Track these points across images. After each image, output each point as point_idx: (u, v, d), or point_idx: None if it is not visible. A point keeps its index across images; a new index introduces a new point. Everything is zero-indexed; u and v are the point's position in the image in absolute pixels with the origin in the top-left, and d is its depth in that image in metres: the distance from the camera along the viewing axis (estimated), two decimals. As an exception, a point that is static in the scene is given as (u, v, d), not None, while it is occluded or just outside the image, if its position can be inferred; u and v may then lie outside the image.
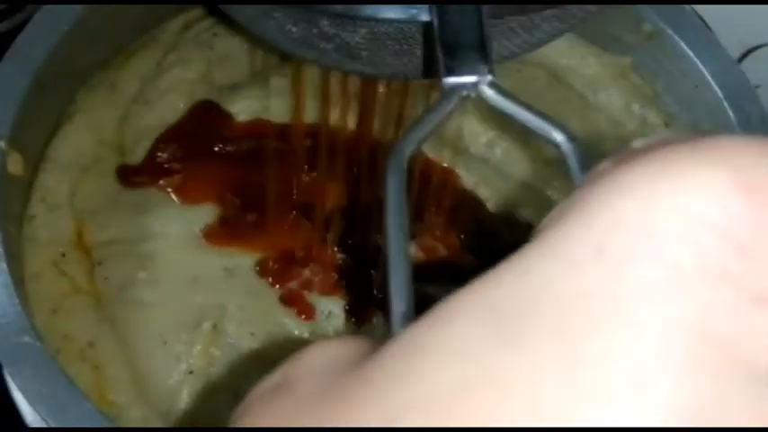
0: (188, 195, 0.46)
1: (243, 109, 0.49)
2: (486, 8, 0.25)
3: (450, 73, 0.24)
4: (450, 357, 0.14)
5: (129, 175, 0.47)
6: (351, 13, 0.27)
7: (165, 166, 0.47)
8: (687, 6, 0.51)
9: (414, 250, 0.46)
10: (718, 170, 0.14)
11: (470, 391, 0.13)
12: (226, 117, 0.49)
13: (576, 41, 0.53)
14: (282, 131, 0.48)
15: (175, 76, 0.49)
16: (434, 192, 0.47)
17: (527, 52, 0.33)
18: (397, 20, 0.27)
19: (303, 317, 0.44)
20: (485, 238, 0.47)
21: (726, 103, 0.47)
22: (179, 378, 0.42)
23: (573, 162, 0.22)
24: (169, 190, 0.46)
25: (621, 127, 0.51)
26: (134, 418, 0.41)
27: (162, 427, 0.42)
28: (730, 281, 0.13)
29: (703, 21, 0.51)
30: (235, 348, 0.43)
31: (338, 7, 0.26)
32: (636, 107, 0.52)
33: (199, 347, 0.42)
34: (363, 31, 0.28)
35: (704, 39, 0.49)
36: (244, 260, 0.45)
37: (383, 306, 0.44)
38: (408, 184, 0.22)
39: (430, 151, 0.48)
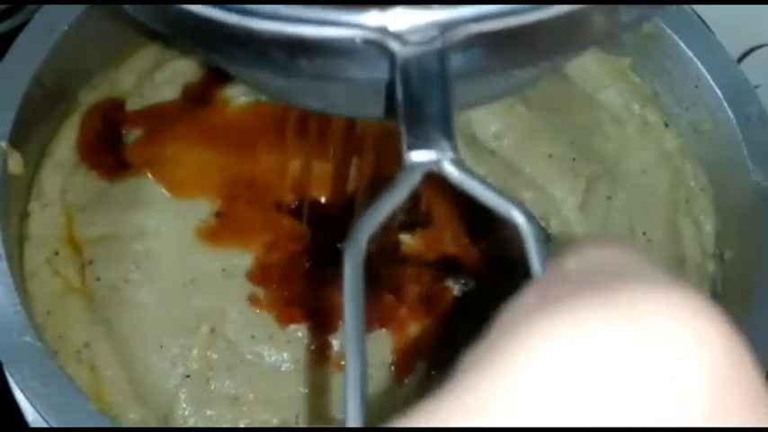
0: (180, 189, 0.45)
1: (240, 92, 0.48)
2: (451, 78, 0.25)
3: (412, 148, 0.24)
4: None
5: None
6: (325, 74, 0.26)
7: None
8: (687, 6, 0.51)
9: (419, 244, 0.46)
10: (618, 332, 0.16)
11: None
12: (220, 101, 0.48)
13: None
14: (282, 115, 0.47)
15: (171, 69, 0.49)
16: (439, 185, 0.47)
17: (510, 95, 0.33)
18: (362, 80, 0.26)
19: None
20: (490, 234, 0.47)
21: (725, 103, 0.47)
22: (176, 382, 0.42)
23: (531, 243, 0.22)
24: (161, 185, 0.46)
25: (623, 125, 0.51)
26: (132, 420, 0.41)
27: (162, 428, 0.42)
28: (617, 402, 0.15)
29: (703, 21, 0.51)
30: (234, 352, 0.43)
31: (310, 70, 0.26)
32: (636, 107, 0.52)
33: (196, 351, 0.42)
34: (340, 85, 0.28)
35: (704, 39, 0.49)
36: (241, 261, 0.44)
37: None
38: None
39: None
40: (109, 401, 0.42)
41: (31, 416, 0.41)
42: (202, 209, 0.45)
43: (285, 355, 0.43)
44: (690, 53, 0.49)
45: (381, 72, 0.25)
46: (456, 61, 0.25)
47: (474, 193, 0.23)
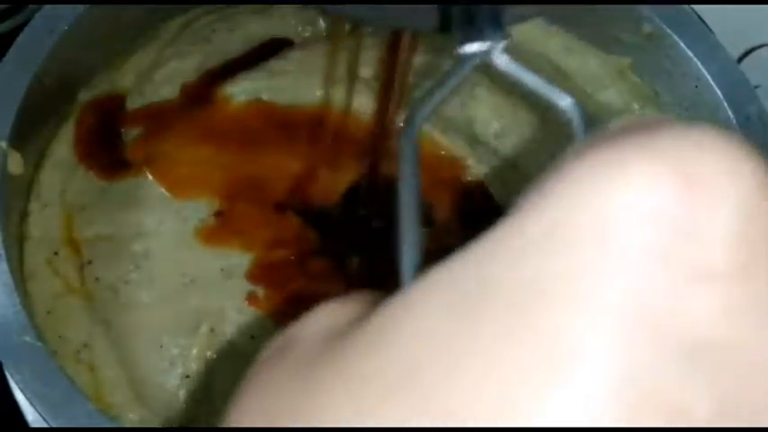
0: (180, 189, 0.45)
1: (241, 90, 0.48)
2: None
3: (466, 39, 0.24)
4: (411, 338, 0.16)
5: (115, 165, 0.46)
6: None
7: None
8: (687, 6, 0.51)
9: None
10: (659, 163, 0.15)
11: (419, 372, 0.15)
12: (220, 100, 0.48)
13: (575, 42, 0.53)
14: (284, 114, 0.47)
15: (171, 68, 0.49)
16: (444, 185, 0.47)
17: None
18: None
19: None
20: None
21: (725, 103, 0.47)
22: (176, 382, 0.42)
23: (577, 125, 0.23)
24: (160, 185, 0.46)
25: (624, 123, 0.51)
26: (132, 420, 0.41)
27: (162, 428, 0.42)
28: (667, 261, 0.15)
29: (703, 21, 0.51)
30: (233, 352, 0.43)
31: None
32: (636, 107, 0.52)
33: (195, 351, 0.42)
34: None
35: (704, 39, 0.49)
36: (241, 260, 0.44)
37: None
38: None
39: (442, 139, 0.48)
40: (108, 402, 0.42)
41: (31, 416, 0.41)
42: (202, 209, 0.45)
43: (285, 354, 0.43)
44: (690, 53, 0.49)
45: None
46: None
47: (522, 81, 0.24)
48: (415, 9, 0.29)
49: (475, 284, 0.16)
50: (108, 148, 0.47)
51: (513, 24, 0.28)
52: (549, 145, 0.49)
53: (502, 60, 0.24)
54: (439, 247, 0.45)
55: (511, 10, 0.26)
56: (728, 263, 0.15)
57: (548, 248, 0.15)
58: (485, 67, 0.25)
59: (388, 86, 0.43)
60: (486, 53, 0.24)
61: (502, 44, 0.24)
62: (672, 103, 0.51)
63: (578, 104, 0.23)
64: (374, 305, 0.17)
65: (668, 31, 0.49)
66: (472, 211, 0.47)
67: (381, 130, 0.45)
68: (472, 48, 0.24)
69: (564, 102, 0.23)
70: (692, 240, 0.15)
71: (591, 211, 0.15)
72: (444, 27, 0.27)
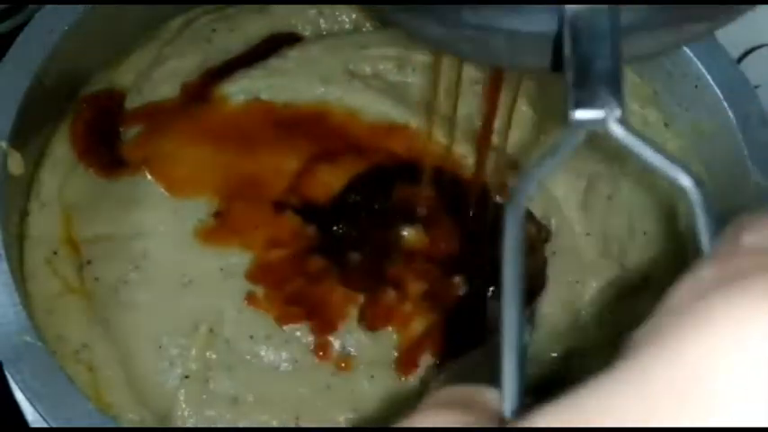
0: (178, 188, 0.45)
1: (239, 89, 0.48)
2: (620, 34, 0.24)
3: (579, 106, 0.23)
4: None
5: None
6: (489, 26, 0.26)
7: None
8: (687, 6, 0.51)
9: (424, 240, 0.46)
10: None
11: None
12: (218, 99, 0.48)
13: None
14: (282, 113, 0.47)
15: (170, 67, 0.49)
16: (446, 187, 0.47)
17: (674, 48, 0.33)
18: (528, 33, 0.25)
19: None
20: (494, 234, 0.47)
21: (725, 103, 0.47)
22: (175, 383, 0.42)
23: (699, 211, 0.21)
24: (159, 184, 0.45)
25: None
26: (131, 420, 0.41)
27: (162, 428, 0.42)
28: None
29: (703, 21, 0.51)
30: (232, 352, 0.43)
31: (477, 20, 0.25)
32: (635, 107, 0.52)
33: (194, 351, 0.42)
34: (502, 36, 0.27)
35: (704, 39, 0.49)
36: (240, 260, 0.44)
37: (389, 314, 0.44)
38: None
39: (443, 137, 0.48)
40: (108, 402, 0.42)
41: (31, 416, 0.41)
42: (201, 208, 0.45)
43: (284, 354, 0.43)
44: (690, 53, 0.49)
45: (549, 25, 0.24)
46: (626, 15, 0.24)
47: (640, 154, 0.22)
48: (529, 51, 0.27)
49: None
50: (107, 146, 0.47)
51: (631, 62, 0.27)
52: (551, 140, 0.49)
53: (619, 131, 0.23)
54: (444, 253, 0.45)
55: (629, 48, 0.25)
56: None
57: (683, 401, 0.15)
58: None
59: (488, 124, 0.43)
60: (601, 122, 0.23)
61: (617, 112, 0.23)
62: (672, 103, 0.51)
63: (700, 185, 0.21)
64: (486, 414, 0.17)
65: (668, 31, 0.49)
66: (469, 211, 0.47)
67: (478, 171, 0.45)
68: (585, 115, 0.23)
69: (686, 182, 0.21)
70: None
71: (731, 361, 0.15)
72: (556, 66, 0.26)
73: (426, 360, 0.43)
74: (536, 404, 0.16)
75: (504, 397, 0.18)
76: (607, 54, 0.23)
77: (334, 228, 0.46)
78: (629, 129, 0.22)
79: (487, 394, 0.19)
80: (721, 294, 0.16)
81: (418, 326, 0.44)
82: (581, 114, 0.23)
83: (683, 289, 0.17)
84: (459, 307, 0.45)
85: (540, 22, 0.24)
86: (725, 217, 0.51)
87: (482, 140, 0.45)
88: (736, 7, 0.31)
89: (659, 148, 0.22)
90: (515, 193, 0.22)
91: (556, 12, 0.24)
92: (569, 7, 0.23)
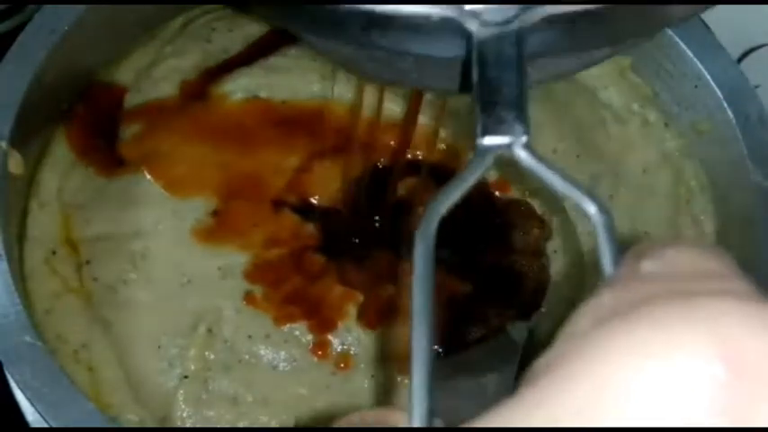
0: (177, 187, 0.45)
1: (238, 87, 0.48)
2: (526, 60, 0.24)
3: (486, 132, 0.23)
4: None
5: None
6: (398, 49, 0.26)
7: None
8: (686, 6, 0.51)
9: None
10: (703, 338, 0.15)
11: None
12: (217, 97, 0.48)
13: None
14: (281, 111, 0.47)
15: (169, 66, 0.49)
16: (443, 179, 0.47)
17: (577, 71, 0.33)
18: (437, 57, 0.26)
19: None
20: (497, 229, 0.47)
21: (725, 103, 0.48)
22: (174, 383, 0.42)
23: (603, 237, 0.21)
24: (158, 183, 0.45)
25: (625, 124, 0.51)
26: (130, 421, 0.41)
27: (162, 428, 0.42)
28: None
29: (703, 21, 0.51)
30: (231, 352, 0.42)
31: (385, 43, 0.25)
32: (635, 106, 0.52)
33: (193, 351, 0.42)
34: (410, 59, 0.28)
35: (704, 39, 0.50)
36: (238, 259, 0.44)
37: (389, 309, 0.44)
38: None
39: (443, 132, 0.48)
40: (107, 402, 0.42)
41: (32, 416, 0.41)
42: (199, 207, 0.45)
43: (282, 354, 0.43)
44: (689, 53, 0.49)
45: (457, 50, 0.25)
46: (532, 42, 0.25)
47: (545, 180, 0.23)
48: (436, 73, 0.28)
49: None
50: (106, 145, 0.47)
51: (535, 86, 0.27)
52: (554, 138, 0.49)
53: (525, 157, 0.23)
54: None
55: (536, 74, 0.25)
56: None
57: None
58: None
59: (410, 119, 0.43)
60: (508, 147, 0.23)
61: (524, 138, 0.23)
62: (671, 103, 0.51)
63: (604, 211, 0.21)
64: None
65: (668, 31, 0.49)
66: (471, 206, 0.47)
67: (401, 146, 0.45)
68: (493, 141, 0.23)
69: (590, 208, 0.21)
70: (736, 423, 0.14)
71: (623, 390, 0.15)
72: (464, 88, 0.26)
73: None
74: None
75: (412, 419, 0.19)
76: (513, 80, 0.24)
77: (334, 226, 0.46)
78: (535, 154, 0.23)
79: (399, 416, 0.20)
80: (619, 321, 0.16)
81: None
82: (488, 141, 0.23)
83: (585, 314, 0.17)
84: (461, 302, 0.45)
85: (448, 47, 0.25)
86: (724, 218, 0.52)
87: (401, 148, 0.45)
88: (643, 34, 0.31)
89: (565, 174, 0.22)
90: (425, 220, 0.22)
91: (464, 37, 0.24)
92: (477, 33, 0.24)
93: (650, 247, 0.18)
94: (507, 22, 0.24)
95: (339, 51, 0.31)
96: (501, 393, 0.16)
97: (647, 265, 0.18)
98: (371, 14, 0.24)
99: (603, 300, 0.17)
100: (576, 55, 0.30)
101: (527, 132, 0.23)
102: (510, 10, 0.24)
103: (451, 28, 0.24)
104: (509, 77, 0.24)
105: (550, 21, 0.24)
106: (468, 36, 0.24)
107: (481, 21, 0.24)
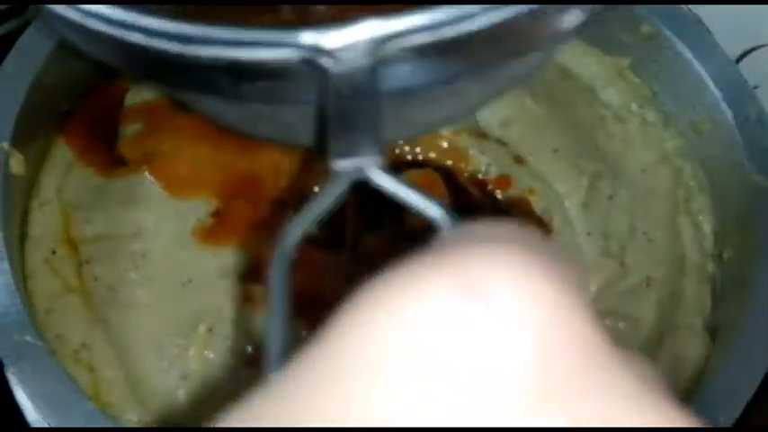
0: (177, 188, 0.45)
1: None
2: (382, 90, 0.24)
3: (339, 156, 0.24)
4: None
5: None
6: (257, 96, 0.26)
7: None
8: (686, 6, 0.51)
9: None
10: (443, 280, 0.16)
11: None
12: None
13: (574, 42, 0.53)
14: None
15: None
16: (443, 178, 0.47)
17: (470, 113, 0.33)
18: (301, 100, 0.26)
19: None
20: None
21: (724, 104, 0.48)
22: (174, 383, 0.42)
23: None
24: (158, 183, 0.45)
25: (625, 124, 0.51)
26: (130, 421, 0.41)
27: (162, 428, 0.42)
28: (444, 381, 0.15)
29: (702, 21, 0.51)
30: (231, 352, 0.43)
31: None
32: (634, 106, 0.52)
33: (193, 351, 0.42)
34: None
35: (703, 39, 0.50)
36: (238, 259, 0.44)
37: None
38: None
39: (445, 131, 0.48)
40: (107, 402, 0.42)
41: (32, 416, 0.41)
42: (200, 207, 0.45)
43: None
44: (689, 53, 0.49)
45: (316, 90, 0.25)
46: (391, 75, 0.25)
47: (404, 200, 0.23)
48: (291, 132, 0.29)
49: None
50: (106, 145, 0.47)
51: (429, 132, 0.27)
52: (555, 137, 0.49)
53: (380, 179, 0.24)
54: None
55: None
56: (524, 395, 0.15)
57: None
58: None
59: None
60: (362, 170, 0.24)
61: (377, 159, 0.24)
62: (671, 104, 0.51)
63: (451, 214, 0.22)
64: None
65: (667, 31, 0.49)
66: (471, 206, 0.47)
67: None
68: (346, 164, 0.24)
69: (437, 215, 0.22)
70: (486, 377, 0.15)
71: (380, 335, 0.16)
72: (320, 152, 0.27)
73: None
74: None
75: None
76: (367, 107, 0.24)
77: (333, 224, 0.46)
78: (391, 176, 0.23)
79: None
80: (383, 282, 0.17)
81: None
82: (342, 165, 0.24)
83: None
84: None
85: (304, 88, 0.25)
86: (723, 218, 0.51)
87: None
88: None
89: (425, 194, 0.23)
90: (279, 246, 0.23)
91: (321, 76, 0.24)
92: (332, 69, 0.24)
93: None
94: (362, 57, 0.24)
95: (225, 113, 0.31)
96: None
97: (450, 235, 0.19)
98: (221, 61, 0.24)
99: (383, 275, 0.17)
100: (454, 95, 0.30)
101: (380, 153, 0.24)
102: (365, 45, 0.24)
103: (308, 68, 0.24)
104: (363, 107, 0.24)
105: (407, 52, 0.24)
106: (324, 74, 0.24)
107: (336, 58, 0.24)
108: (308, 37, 0.24)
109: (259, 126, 0.32)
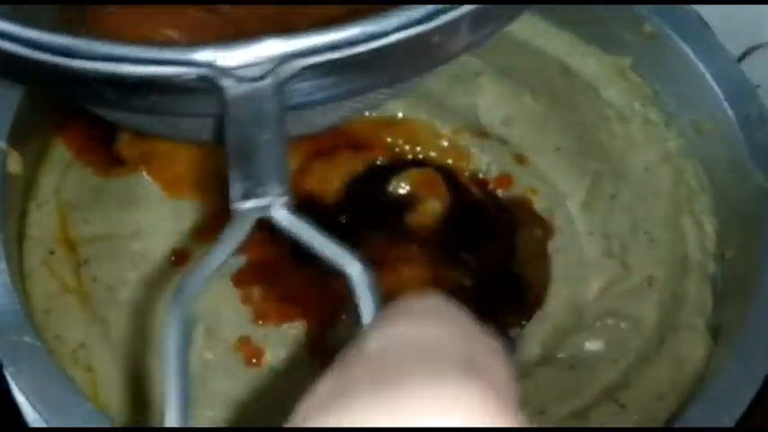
0: (175, 188, 0.45)
1: None
2: (285, 115, 0.23)
3: (244, 196, 0.22)
4: None
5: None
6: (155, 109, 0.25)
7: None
8: (687, 6, 0.51)
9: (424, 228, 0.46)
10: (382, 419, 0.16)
11: None
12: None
13: (575, 42, 0.53)
14: None
15: None
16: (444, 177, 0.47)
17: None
18: (199, 115, 0.25)
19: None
20: (498, 229, 0.47)
21: (726, 103, 0.47)
22: (173, 383, 0.42)
23: (364, 297, 0.21)
24: (156, 183, 0.45)
25: (627, 123, 0.51)
26: (128, 421, 0.41)
27: (162, 428, 0.42)
28: None
29: (703, 21, 0.51)
30: (229, 352, 0.42)
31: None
32: (636, 106, 0.52)
33: (192, 352, 0.42)
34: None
35: (704, 39, 0.49)
36: (237, 260, 0.44)
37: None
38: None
39: (445, 128, 0.48)
40: (105, 402, 0.41)
41: (31, 416, 0.41)
42: (198, 208, 0.45)
43: (281, 353, 0.43)
44: (690, 53, 0.49)
45: (216, 108, 0.24)
46: (292, 93, 0.24)
47: (306, 241, 0.22)
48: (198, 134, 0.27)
49: None
50: (104, 145, 0.47)
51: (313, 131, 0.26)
52: (557, 136, 0.49)
53: (284, 218, 0.22)
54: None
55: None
56: None
57: None
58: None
59: None
60: (267, 209, 0.22)
61: (283, 199, 0.22)
62: (672, 103, 0.51)
63: (367, 270, 0.21)
64: None
65: (668, 30, 0.49)
66: (471, 205, 0.47)
67: None
68: (251, 205, 0.22)
69: (353, 268, 0.21)
70: None
71: None
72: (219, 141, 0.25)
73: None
74: None
75: None
76: (271, 138, 0.23)
77: (333, 223, 0.46)
78: (295, 215, 0.22)
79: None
80: (318, 415, 0.17)
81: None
82: (246, 205, 0.23)
83: (304, 402, 0.18)
84: (460, 299, 0.45)
85: (202, 105, 0.24)
86: (725, 218, 0.51)
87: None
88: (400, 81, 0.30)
89: (326, 234, 0.22)
90: (179, 292, 0.22)
91: (219, 95, 0.23)
92: (230, 90, 0.23)
93: (381, 317, 0.19)
94: (262, 77, 0.23)
95: (127, 118, 0.30)
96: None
97: (370, 342, 0.18)
98: (124, 78, 0.23)
99: (320, 386, 0.18)
100: (339, 106, 0.29)
101: (286, 192, 0.23)
102: (265, 64, 0.23)
103: (205, 86, 0.23)
104: (265, 136, 0.23)
105: (310, 70, 0.23)
106: (221, 93, 0.23)
107: (235, 77, 0.23)
108: (205, 55, 0.22)
109: (158, 128, 0.31)
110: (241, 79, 0.23)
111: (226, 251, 0.22)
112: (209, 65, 0.23)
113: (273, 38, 0.23)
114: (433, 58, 0.27)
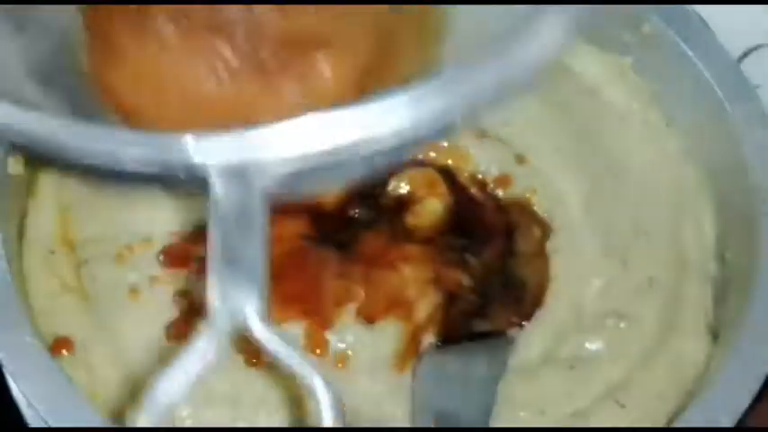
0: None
1: None
2: (268, 223, 0.23)
3: (220, 304, 0.22)
4: None
5: None
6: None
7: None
8: (687, 6, 0.51)
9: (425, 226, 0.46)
10: None
11: None
12: None
13: (576, 42, 0.53)
14: None
15: None
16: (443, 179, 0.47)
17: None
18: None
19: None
20: (498, 229, 0.47)
21: (725, 103, 0.47)
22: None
23: (327, 414, 0.21)
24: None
25: (626, 124, 0.51)
26: (130, 420, 0.41)
27: (161, 428, 0.42)
28: None
29: (703, 21, 0.51)
30: (231, 352, 0.43)
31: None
32: (636, 106, 0.52)
33: None
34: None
35: (704, 39, 0.49)
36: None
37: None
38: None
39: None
40: (104, 402, 0.41)
41: (31, 416, 0.41)
42: (198, 208, 0.45)
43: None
44: (690, 53, 0.49)
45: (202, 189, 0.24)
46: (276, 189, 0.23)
47: (277, 355, 0.23)
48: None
49: None
50: None
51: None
52: (557, 136, 0.49)
53: (258, 329, 0.23)
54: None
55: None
56: None
57: None
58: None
59: None
60: (242, 321, 0.22)
61: (259, 309, 0.22)
62: (672, 103, 0.51)
63: (330, 386, 0.21)
64: None
65: (668, 30, 0.49)
66: (471, 205, 0.47)
67: None
68: (227, 314, 0.22)
69: (317, 382, 0.21)
70: None
71: None
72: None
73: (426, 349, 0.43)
74: None
75: None
76: (254, 244, 0.23)
77: (333, 222, 0.46)
78: (269, 326, 0.23)
79: None
80: None
81: (421, 313, 0.44)
82: (223, 314, 0.23)
83: None
84: (460, 298, 0.45)
85: (192, 187, 0.24)
86: (725, 218, 0.51)
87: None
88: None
89: (295, 348, 0.23)
90: (146, 410, 0.22)
91: (204, 188, 0.23)
92: (219, 189, 0.23)
93: None
94: (254, 180, 0.22)
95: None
96: (485, 385, 0.16)
97: None
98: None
99: None
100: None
101: (263, 304, 0.23)
102: (250, 171, 0.22)
103: (194, 181, 0.23)
104: (250, 240, 0.23)
105: (294, 173, 0.23)
106: (209, 186, 0.23)
107: (225, 177, 0.22)
108: (197, 157, 0.22)
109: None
110: (227, 183, 0.23)
111: (200, 365, 0.23)
112: (196, 166, 0.23)
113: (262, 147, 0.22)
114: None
